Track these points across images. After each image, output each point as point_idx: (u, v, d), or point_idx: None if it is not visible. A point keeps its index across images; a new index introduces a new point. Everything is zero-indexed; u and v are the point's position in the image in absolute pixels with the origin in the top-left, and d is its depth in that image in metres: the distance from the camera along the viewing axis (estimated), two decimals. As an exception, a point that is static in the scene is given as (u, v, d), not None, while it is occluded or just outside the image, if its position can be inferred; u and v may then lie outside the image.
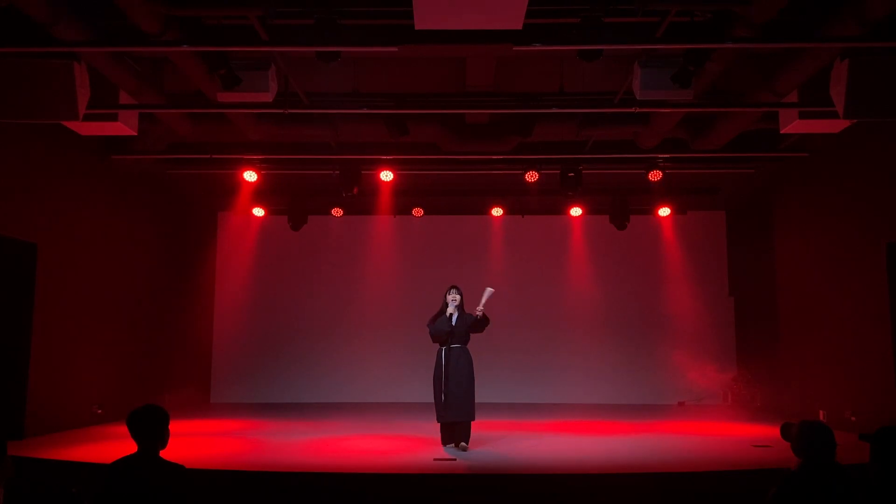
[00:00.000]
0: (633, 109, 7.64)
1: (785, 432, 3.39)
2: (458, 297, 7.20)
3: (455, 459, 6.39)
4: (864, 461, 3.10)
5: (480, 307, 7.10)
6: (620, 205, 11.70)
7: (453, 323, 7.12)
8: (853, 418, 8.17)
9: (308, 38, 6.10)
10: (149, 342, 10.53)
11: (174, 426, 3.50)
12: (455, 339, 7.14)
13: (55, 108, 6.27)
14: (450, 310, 7.15)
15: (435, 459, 6.40)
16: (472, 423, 7.10)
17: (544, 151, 9.73)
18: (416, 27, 5.59)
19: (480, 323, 7.19)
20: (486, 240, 12.56)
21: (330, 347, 12.42)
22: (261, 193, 11.35)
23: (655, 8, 5.91)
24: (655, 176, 10.07)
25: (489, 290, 7.09)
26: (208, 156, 9.67)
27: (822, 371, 9.12)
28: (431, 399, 7.15)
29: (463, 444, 6.94)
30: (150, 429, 3.30)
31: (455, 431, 7.01)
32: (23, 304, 7.80)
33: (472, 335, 7.28)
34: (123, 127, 7.60)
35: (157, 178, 10.64)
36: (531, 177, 10.15)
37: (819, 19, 6.03)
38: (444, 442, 7.08)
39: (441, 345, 7.18)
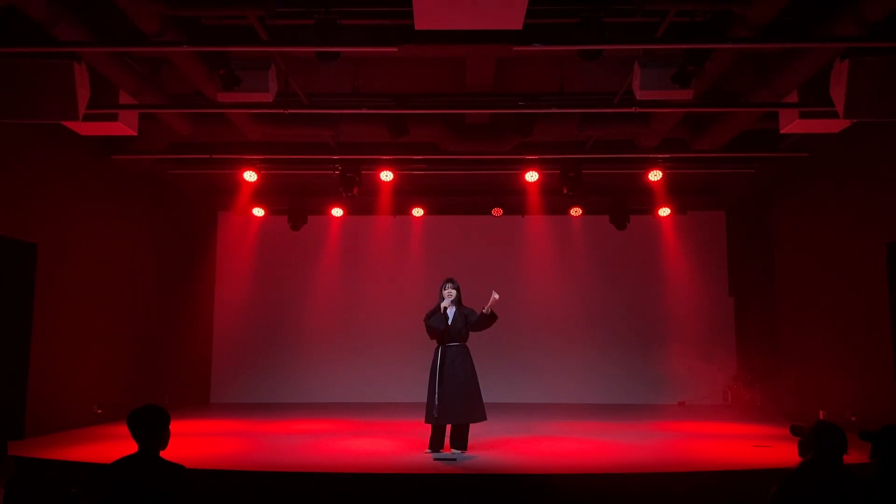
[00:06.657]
0: (633, 109, 7.63)
1: (796, 430, 3.39)
2: (453, 291, 6.87)
3: (455, 460, 6.37)
4: (865, 460, 3.10)
5: (487, 308, 6.74)
6: (620, 205, 11.70)
7: (449, 321, 6.84)
8: (853, 418, 8.17)
9: (308, 38, 6.10)
10: (149, 342, 10.53)
11: (174, 426, 3.50)
12: (452, 337, 6.83)
13: (55, 108, 6.26)
14: (444, 304, 6.82)
15: (435, 459, 6.40)
16: (476, 424, 6.84)
17: (544, 151, 9.73)
18: (416, 27, 5.58)
19: (487, 319, 6.77)
20: (486, 240, 12.55)
21: (330, 347, 12.42)
22: (261, 193, 11.35)
23: (655, 8, 5.92)
24: (655, 176, 10.08)
25: (495, 294, 6.70)
26: (208, 156, 9.68)
27: (822, 371, 9.12)
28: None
29: (456, 450, 6.67)
30: (151, 429, 3.30)
31: (450, 435, 6.76)
32: (23, 304, 7.80)
33: (472, 333, 6.96)
34: (123, 127, 7.59)
35: (157, 178, 10.64)
36: (531, 177, 10.15)
37: (819, 19, 6.03)
38: (432, 447, 6.73)
39: (438, 343, 6.90)
